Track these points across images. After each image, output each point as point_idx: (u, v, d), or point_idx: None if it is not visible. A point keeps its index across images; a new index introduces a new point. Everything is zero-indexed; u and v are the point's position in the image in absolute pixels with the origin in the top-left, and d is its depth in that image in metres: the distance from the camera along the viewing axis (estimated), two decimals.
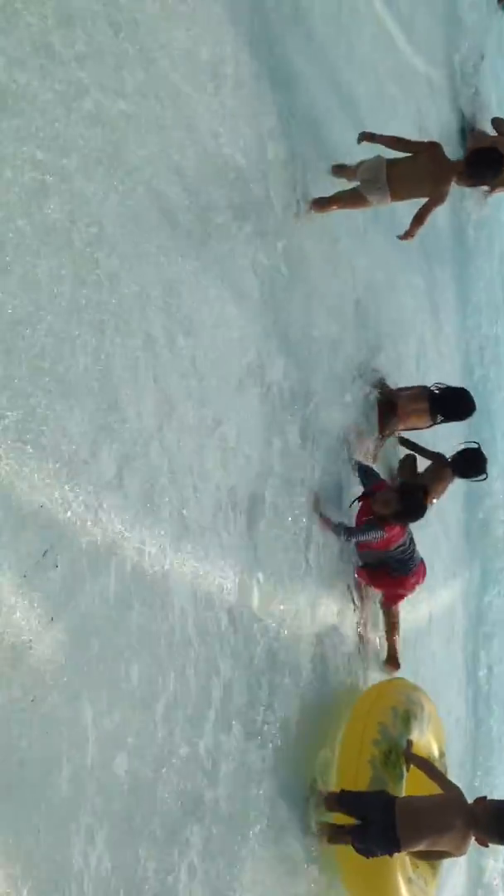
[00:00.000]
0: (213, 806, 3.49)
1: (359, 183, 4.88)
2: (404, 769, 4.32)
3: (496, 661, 8.04)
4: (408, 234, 4.99)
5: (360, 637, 5.09)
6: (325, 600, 4.68)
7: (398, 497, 4.70)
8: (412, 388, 5.88)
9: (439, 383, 5.75)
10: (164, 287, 3.61)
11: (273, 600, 4.12)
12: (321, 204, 5.05)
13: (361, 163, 4.92)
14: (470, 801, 3.99)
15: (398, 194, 4.80)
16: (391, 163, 4.77)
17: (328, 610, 4.71)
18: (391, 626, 5.36)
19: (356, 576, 5.08)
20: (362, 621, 5.10)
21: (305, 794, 4.12)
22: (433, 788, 4.28)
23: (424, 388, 5.75)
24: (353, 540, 4.80)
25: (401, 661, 5.40)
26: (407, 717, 4.50)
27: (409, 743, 4.42)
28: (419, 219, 4.84)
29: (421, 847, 3.89)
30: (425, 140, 5.10)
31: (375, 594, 5.30)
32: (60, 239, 3.02)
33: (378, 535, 4.70)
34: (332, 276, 5.44)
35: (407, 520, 4.81)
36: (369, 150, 4.86)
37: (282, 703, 4.08)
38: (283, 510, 4.33)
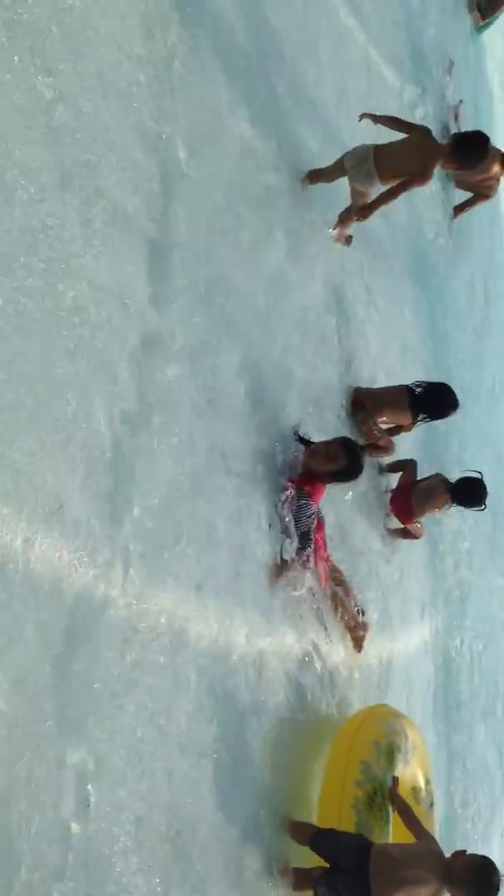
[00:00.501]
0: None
1: (347, 176, 4.88)
2: (390, 811, 3.98)
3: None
4: (371, 207, 4.96)
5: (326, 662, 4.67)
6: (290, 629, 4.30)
7: (344, 451, 4.44)
8: (390, 388, 5.63)
9: (419, 381, 5.53)
10: None
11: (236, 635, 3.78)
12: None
13: (344, 156, 4.92)
14: (447, 853, 3.67)
15: (386, 174, 4.80)
16: (379, 146, 4.83)
17: (293, 640, 4.32)
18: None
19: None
20: (329, 642, 4.68)
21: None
22: None
23: (403, 387, 5.50)
24: (300, 530, 4.31)
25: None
26: (391, 752, 4.15)
27: (395, 781, 4.08)
28: (393, 193, 4.86)
29: None
30: (417, 123, 5.12)
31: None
32: None
33: (311, 508, 4.36)
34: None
35: (347, 478, 4.59)
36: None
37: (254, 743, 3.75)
38: None
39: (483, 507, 5.81)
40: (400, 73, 7.65)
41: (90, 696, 2.87)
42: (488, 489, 5.78)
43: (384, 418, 5.56)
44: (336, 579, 4.77)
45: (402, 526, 5.96)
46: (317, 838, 3.71)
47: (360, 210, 5.05)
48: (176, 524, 3.46)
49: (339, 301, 5.60)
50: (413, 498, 5.82)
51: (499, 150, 7.79)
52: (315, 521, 4.42)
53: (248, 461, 4.10)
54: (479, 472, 5.64)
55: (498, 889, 3.59)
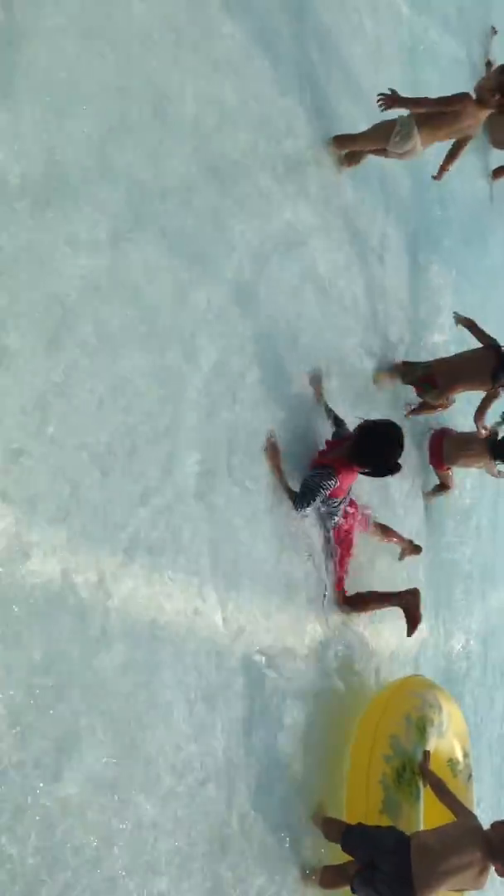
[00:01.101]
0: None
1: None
2: (420, 786, 3.82)
3: None
4: (442, 171, 4.81)
5: (360, 638, 4.52)
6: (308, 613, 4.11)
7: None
8: (468, 354, 5.24)
9: None
10: None
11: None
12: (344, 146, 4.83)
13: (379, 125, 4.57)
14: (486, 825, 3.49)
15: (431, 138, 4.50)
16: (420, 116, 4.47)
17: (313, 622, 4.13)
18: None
19: (334, 542, 4.34)
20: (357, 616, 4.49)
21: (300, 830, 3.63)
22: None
23: (488, 349, 5.08)
24: (313, 503, 4.05)
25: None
26: (422, 725, 3.97)
27: (426, 755, 3.91)
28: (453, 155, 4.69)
29: (439, 892, 3.36)
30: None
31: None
32: None
33: (332, 483, 4.04)
34: None
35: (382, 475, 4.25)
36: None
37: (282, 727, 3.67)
38: None
39: None
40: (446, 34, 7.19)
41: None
42: None
43: (458, 391, 5.24)
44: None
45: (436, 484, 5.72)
46: (348, 837, 3.56)
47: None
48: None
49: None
50: (445, 443, 5.51)
51: None
52: (341, 511, 4.24)
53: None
54: None
55: None
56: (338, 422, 4.41)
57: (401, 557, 4.99)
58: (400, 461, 4.14)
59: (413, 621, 4.45)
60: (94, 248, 3.13)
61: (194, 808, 3.16)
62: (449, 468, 5.60)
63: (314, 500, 4.03)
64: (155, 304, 3.37)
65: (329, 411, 4.45)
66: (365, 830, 3.58)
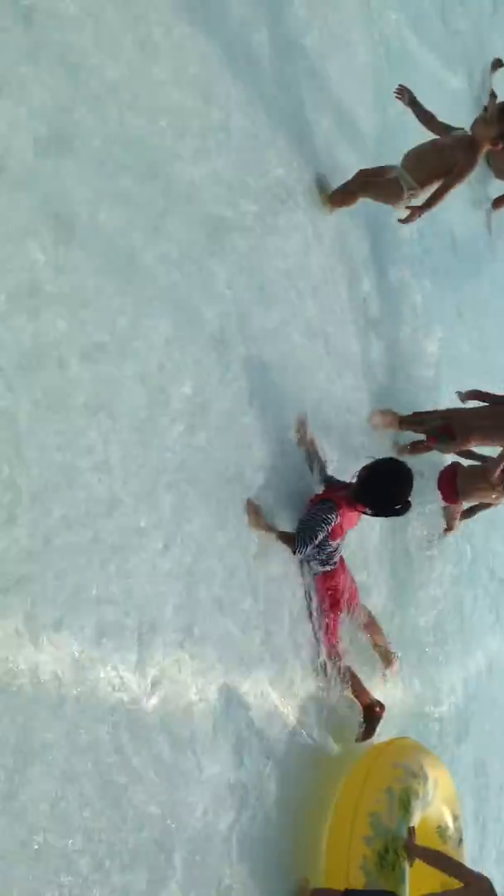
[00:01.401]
0: None
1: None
2: (405, 867, 3.54)
3: None
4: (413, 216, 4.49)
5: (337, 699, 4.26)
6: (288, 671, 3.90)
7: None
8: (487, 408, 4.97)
9: None
10: None
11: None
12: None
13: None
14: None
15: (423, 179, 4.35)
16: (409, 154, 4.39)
17: (294, 682, 3.92)
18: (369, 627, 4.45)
19: (316, 588, 4.09)
20: (336, 678, 4.22)
21: None
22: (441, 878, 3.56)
23: None
24: (315, 541, 3.87)
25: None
26: (406, 799, 3.70)
27: (411, 832, 3.63)
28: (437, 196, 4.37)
29: None
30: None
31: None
32: None
33: (334, 519, 3.85)
34: None
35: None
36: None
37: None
38: None
39: None
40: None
41: None
42: None
43: (473, 444, 5.03)
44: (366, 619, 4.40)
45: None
46: None
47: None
48: None
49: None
50: (459, 477, 5.22)
51: None
52: (337, 559, 4.04)
53: None
54: None
55: None
56: (323, 472, 4.20)
57: (384, 673, 4.59)
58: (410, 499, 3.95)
59: (368, 732, 4.17)
60: None
61: None
62: (460, 502, 5.34)
63: (316, 538, 3.84)
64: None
65: (314, 458, 4.22)
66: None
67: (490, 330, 7.02)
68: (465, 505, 5.48)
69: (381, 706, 4.19)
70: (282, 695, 3.74)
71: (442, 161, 4.19)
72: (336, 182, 4.75)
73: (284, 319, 4.27)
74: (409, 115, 4.46)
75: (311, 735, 3.90)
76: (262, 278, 4.14)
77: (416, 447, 5.21)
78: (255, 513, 3.81)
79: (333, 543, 3.99)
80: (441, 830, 4.14)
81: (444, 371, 5.83)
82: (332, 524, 3.87)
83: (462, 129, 4.23)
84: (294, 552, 3.88)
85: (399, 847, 3.55)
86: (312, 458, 4.24)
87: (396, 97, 4.41)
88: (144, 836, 2.95)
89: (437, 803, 4.10)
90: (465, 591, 5.80)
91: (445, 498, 5.30)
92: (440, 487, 5.28)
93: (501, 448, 4.88)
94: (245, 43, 4.33)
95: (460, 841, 4.28)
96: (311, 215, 4.61)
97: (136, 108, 3.55)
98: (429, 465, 5.34)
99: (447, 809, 4.20)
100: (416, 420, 5.03)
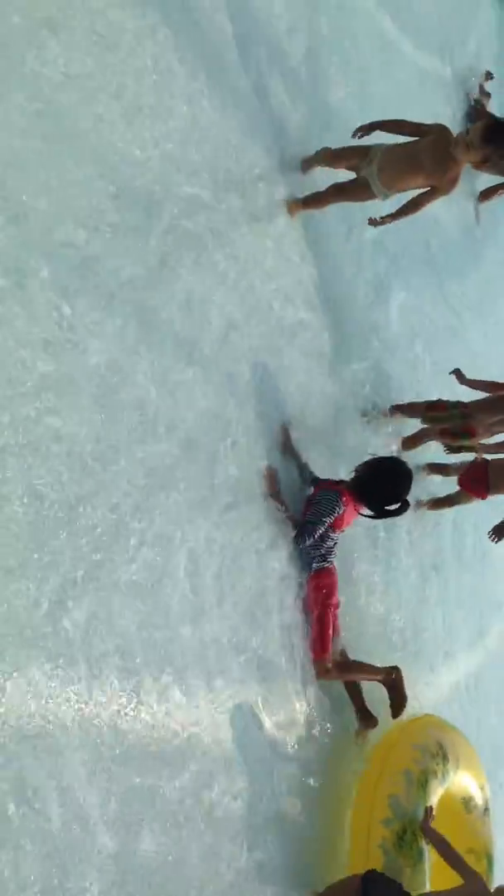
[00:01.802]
0: None
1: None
2: (424, 847, 3.73)
3: None
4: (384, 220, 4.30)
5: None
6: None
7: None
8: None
9: None
10: None
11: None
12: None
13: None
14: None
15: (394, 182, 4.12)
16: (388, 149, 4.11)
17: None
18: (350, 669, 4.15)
19: (308, 588, 3.97)
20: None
21: None
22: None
23: None
24: (321, 530, 3.88)
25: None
26: (424, 780, 3.87)
27: (429, 811, 3.81)
28: (415, 204, 4.16)
29: None
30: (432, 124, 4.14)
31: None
32: None
33: (339, 511, 3.88)
34: None
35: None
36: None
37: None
38: None
39: None
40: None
41: None
42: None
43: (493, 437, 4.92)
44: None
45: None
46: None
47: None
48: None
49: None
50: (491, 470, 5.06)
51: None
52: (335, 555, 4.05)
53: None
54: None
55: None
56: (307, 472, 4.19)
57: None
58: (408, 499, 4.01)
59: (399, 702, 4.20)
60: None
61: None
62: (486, 496, 5.19)
63: (321, 528, 3.88)
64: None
65: (297, 461, 4.20)
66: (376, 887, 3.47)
67: (474, 322, 6.91)
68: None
69: (397, 671, 4.18)
70: (286, 698, 3.82)
71: (415, 167, 4.00)
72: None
73: (268, 327, 4.20)
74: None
75: (326, 731, 4.02)
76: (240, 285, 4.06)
77: (409, 442, 5.17)
78: (272, 479, 3.83)
79: (335, 536, 4.00)
80: (465, 801, 4.33)
81: (429, 364, 5.81)
82: (337, 514, 3.91)
83: (437, 126, 4.01)
84: (297, 538, 3.86)
85: (417, 828, 3.73)
86: (296, 461, 4.20)
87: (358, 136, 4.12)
88: None
89: (461, 777, 4.26)
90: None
91: (475, 493, 5.19)
92: (466, 483, 5.19)
93: None
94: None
95: (486, 810, 4.46)
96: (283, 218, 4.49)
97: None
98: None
99: (472, 780, 4.37)
100: (437, 414, 4.93)
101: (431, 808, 3.85)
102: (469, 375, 5.07)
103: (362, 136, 4.10)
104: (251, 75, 4.39)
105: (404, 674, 4.26)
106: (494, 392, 4.78)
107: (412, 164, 3.98)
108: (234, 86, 4.23)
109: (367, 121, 4.10)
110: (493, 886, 4.26)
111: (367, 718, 4.19)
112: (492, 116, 4.37)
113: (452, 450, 5.05)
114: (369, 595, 4.74)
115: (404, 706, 4.22)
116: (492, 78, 7.89)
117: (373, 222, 4.33)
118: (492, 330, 7.31)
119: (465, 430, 4.80)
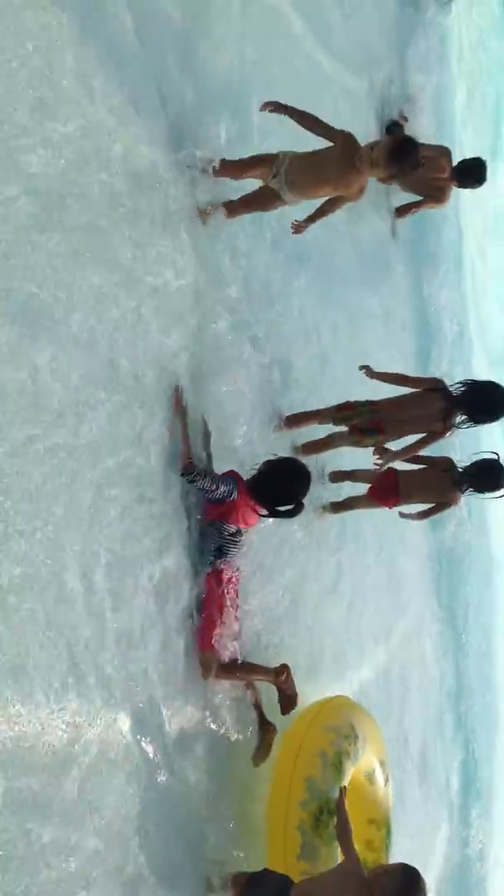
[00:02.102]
0: None
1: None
2: None
3: None
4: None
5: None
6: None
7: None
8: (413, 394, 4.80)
9: (463, 381, 4.75)
10: None
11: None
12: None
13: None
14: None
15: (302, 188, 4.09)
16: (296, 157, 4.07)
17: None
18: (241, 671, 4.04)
19: (206, 585, 3.92)
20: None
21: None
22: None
23: (433, 390, 4.70)
24: (209, 484, 3.83)
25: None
26: (339, 761, 3.99)
27: (342, 791, 3.81)
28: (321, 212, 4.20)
29: None
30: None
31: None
32: None
33: (228, 490, 3.85)
34: None
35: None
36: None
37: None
38: None
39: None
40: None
41: None
42: None
43: (404, 435, 4.92)
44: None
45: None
46: (249, 882, 3.53)
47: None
48: None
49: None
50: (401, 478, 5.11)
51: (445, 148, 7.12)
52: (234, 553, 4.00)
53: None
54: (496, 453, 4.90)
55: None
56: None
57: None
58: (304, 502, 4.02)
59: (287, 702, 4.14)
60: None
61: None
62: (399, 503, 5.21)
63: (211, 483, 3.84)
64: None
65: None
66: (259, 876, 3.53)
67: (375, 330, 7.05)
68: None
69: (287, 669, 4.10)
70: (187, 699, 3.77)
71: (322, 177, 3.99)
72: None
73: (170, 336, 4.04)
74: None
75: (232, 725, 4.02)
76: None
77: (312, 447, 5.17)
78: (179, 401, 3.85)
79: (230, 527, 3.97)
80: (369, 775, 4.50)
81: (329, 371, 5.84)
82: (229, 491, 3.88)
83: (343, 134, 3.96)
84: (186, 473, 3.79)
85: (332, 807, 3.80)
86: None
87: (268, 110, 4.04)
88: None
89: (368, 755, 4.42)
90: None
91: (385, 502, 5.22)
92: (377, 493, 5.21)
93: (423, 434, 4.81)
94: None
95: (386, 781, 4.65)
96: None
97: None
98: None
99: (375, 757, 4.53)
100: (343, 414, 4.93)
101: (345, 787, 3.89)
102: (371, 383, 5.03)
103: (272, 111, 4.01)
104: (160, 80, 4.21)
105: (306, 668, 4.33)
106: (403, 384, 4.81)
107: (319, 174, 3.98)
108: (143, 89, 4.04)
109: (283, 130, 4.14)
110: (389, 852, 4.55)
111: (265, 727, 4.11)
112: (398, 136, 4.37)
113: (361, 444, 5.03)
114: (281, 595, 4.80)
115: (294, 705, 4.17)
116: (406, 121, 7.92)
117: (296, 231, 4.35)
118: (396, 337, 7.51)
119: (374, 427, 4.83)
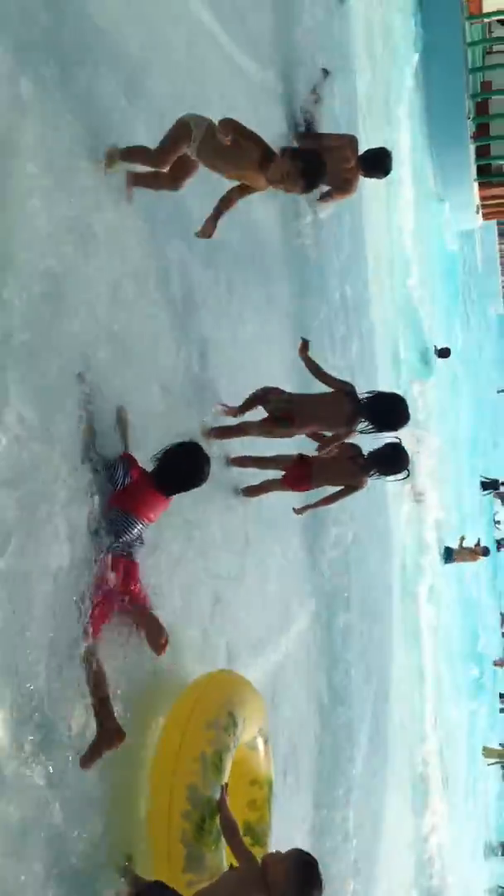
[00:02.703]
0: None
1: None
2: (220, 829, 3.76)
3: None
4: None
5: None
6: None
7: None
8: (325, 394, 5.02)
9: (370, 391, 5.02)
10: None
11: None
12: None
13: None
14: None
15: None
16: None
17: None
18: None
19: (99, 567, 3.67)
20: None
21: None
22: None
23: (346, 393, 4.92)
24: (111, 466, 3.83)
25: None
26: (219, 759, 3.85)
27: (223, 790, 3.84)
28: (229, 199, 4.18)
29: None
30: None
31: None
32: None
33: (124, 476, 3.83)
34: None
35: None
36: None
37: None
38: None
39: (407, 474, 5.51)
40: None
41: None
42: None
43: (311, 431, 5.13)
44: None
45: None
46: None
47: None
48: None
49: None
50: (314, 466, 5.32)
51: (352, 137, 7.08)
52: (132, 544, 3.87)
53: None
54: (398, 438, 5.20)
55: (320, 887, 3.41)
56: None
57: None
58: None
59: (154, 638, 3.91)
60: None
61: None
62: (310, 487, 5.48)
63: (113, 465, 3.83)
64: None
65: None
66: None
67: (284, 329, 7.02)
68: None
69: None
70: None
71: (233, 163, 4.03)
72: None
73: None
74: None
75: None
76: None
77: (223, 432, 5.22)
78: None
79: (129, 518, 3.82)
80: (247, 744, 4.39)
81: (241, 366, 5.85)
82: (120, 472, 3.86)
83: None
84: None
85: (214, 809, 3.74)
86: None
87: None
88: None
89: (248, 729, 4.29)
90: None
91: (298, 488, 5.46)
92: (289, 481, 5.39)
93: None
94: None
95: (266, 742, 4.58)
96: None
97: None
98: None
99: (255, 727, 4.41)
100: (259, 399, 5.06)
101: (226, 785, 3.87)
102: (271, 384, 5.22)
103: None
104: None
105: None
106: (319, 378, 4.96)
107: (232, 161, 4.01)
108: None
109: None
110: (271, 808, 4.59)
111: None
112: (307, 153, 4.50)
113: (271, 435, 5.18)
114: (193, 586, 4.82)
115: (163, 642, 3.92)
116: (328, 74, 7.88)
117: (204, 235, 4.32)
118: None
119: (285, 416, 4.98)
